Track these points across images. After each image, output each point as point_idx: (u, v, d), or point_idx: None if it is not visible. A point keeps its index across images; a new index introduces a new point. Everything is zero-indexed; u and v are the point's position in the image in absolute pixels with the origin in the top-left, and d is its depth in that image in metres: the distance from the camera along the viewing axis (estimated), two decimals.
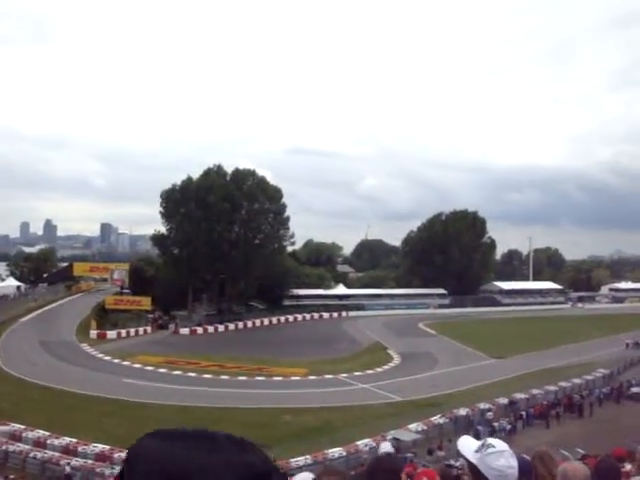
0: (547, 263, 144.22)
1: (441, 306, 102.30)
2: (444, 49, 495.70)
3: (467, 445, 2.82)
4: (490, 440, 2.81)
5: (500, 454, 2.70)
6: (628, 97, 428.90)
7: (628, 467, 11.96)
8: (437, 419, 35.65)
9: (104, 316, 72.39)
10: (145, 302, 76.27)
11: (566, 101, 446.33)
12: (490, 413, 37.08)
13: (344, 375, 50.46)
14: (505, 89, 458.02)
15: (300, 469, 24.90)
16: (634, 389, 44.46)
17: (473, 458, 2.71)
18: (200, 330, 73.72)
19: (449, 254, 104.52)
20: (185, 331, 72.68)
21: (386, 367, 55.17)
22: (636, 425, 33.30)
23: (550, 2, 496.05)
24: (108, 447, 29.48)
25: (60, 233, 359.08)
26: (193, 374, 49.17)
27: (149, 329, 71.87)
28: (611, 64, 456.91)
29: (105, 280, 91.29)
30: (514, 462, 2.74)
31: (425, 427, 34.16)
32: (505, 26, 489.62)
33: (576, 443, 28.47)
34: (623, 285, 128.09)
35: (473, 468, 2.71)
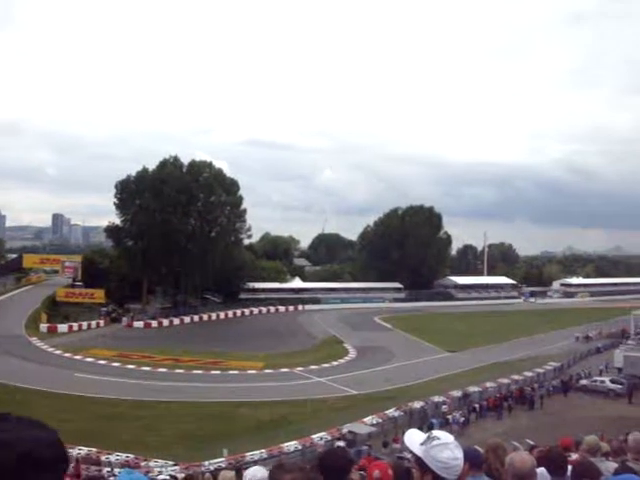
0: (501, 258, 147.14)
1: (397, 300, 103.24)
2: (402, 44, 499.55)
3: (413, 438, 2.82)
4: (435, 432, 2.81)
5: (445, 446, 2.71)
6: (586, 96, 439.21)
7: (574, 456, 12.21)
8: (392, 412, 35.89)
9: (55, 309, 70.89)
10: (98, 295, 74.89)
11: (525, 99, 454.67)
12: (444, 406, 37.54)
13: (300, 369, 50.49)
14: (463, 86, 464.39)
15: (255, 463, 24.77)
16: (583, 381, 45.71)
17: (419, 450, 2.71)
18: (155, 323, 72.81)
19: (405, 249, 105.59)
20: (139, 324, 71.67)
21: (342, 361, 55.39)
22: (583, 416, 34.30)
23: None
24: None
25: (9, 223, 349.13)
26: (147, 368, 48.50)
27: (102, 322, 70.56)
28: (571, 62, 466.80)
29: (56, 272, 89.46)
30: (459, 454, 2.75)
31: (380, 420, 34.36)
32: (464, 22, 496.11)
33: (527, 434, 29.06)
34: (574, 280, 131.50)
35: (419, 460, 2.71)
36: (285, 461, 25.26)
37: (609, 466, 6.01)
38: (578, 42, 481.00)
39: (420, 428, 30.22)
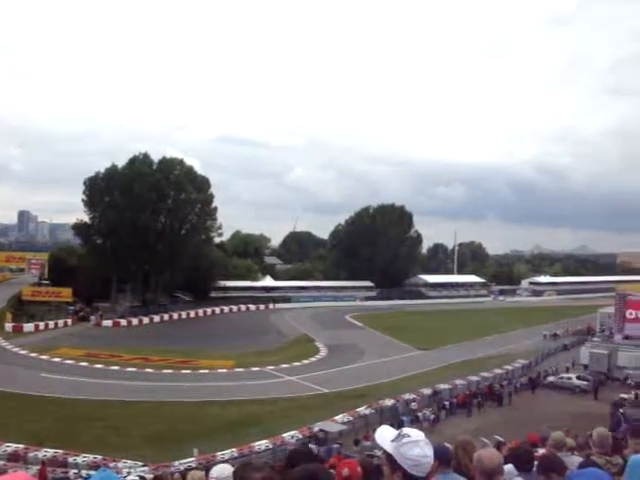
0: (471, 257, 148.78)
1: (368, 298, 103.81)
2: (373, 45, 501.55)
3: (384, 435, 2.82)
4: (406, 430, 2.81)
5: (415, 444, 2.71)
6: (557, 98, 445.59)
7: (541, 452, 12.40)
8: (363, 410, 35.99)
9: (21, 308, 69.56)
10: (66, 293, 73.67)
11: (497, 100, 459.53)
12: (414, 403, 37.78)
13: (271, 367, 50.38)
14: (435, 86, 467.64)
15: (226, 462, 24.65)
16: (550, 378, 46.49)
17: (389, 447, 2.71)
18: (124, 322, 71.98)
19: (376, 247, 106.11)
20: (108, 323, 70.77)
21: (313, 359, 55.40)
22: (551, 412, 34.83)
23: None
24: (22, 446, 28.10)
25: None
26: (116, 367, 47.85)
27: (70, 321, 69.48)
28: (544, 65, 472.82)
29: (22, 270, 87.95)
30: (429, 451, 2.76)
31: (351, 418, 34.43)
32: (438, 22, 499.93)
33: (496, 430, 29.37)
34: (542, 279, 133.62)
35: (389, 457, 2.71)
36: (252, 461, 25.26)
37: (574, 460, 6.10)
38: (551, 45, 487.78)
39: (391, 425, 30.38)
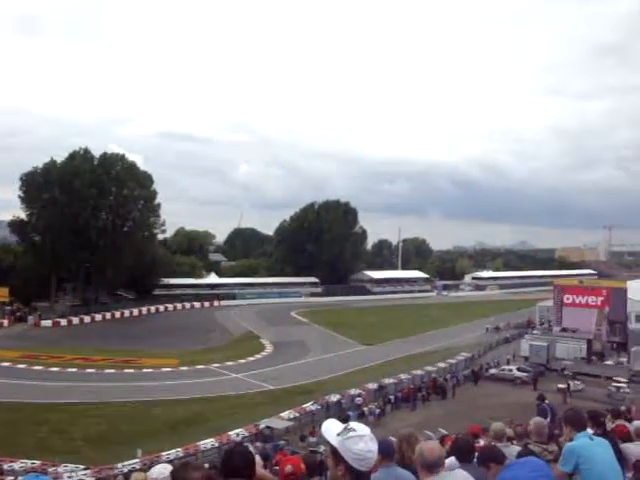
0: (415, 253, 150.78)
1: (313, 295, 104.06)
2: (319, 40, 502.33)
3: (331, 428, 2.85)
4: (352, 424, 2.85)
5: (360, 438, 2.76)
6: (499, 97, 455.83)
7: (482, 442, 12.74)
8: (309, 406, 36.18)
9: None
10: (1, 293, 71.20)
11: (441, 98, 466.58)
12: (360, 398, 38.13)
13: (216, 365, 50.04)
14: (380, 83, 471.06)
15: (171, 462, 24.38)
16: (492, 371, 47.74)
17: (334, 441, 2.75)
18: (64, 322, 70.17)
19: (321, 243, 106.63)
20: (47, 323, 68.87)
21: (258, 356, 55.29)
22: (492, 404, 35.71)
23: None
24: None
25: None
26: (56, 369, 46.56)
27: (6, 322, 67.51)
28: (486, 64, 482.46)
29: None
30: (374, 446, 2.82)
31: (297, 414, 34.60)
32: (382, 19, 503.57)
33: (440, 423, 30.00)
34: (484, 274, 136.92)
35: (334, 451, 2.73)
36: (189, 462, 25.11)
37: (513, 450, 6.29)
38: (494, 45, 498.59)
39: (344, 421, 30.57)
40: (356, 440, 2.74)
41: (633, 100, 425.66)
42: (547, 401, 28.11)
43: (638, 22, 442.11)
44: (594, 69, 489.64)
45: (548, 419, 21.53)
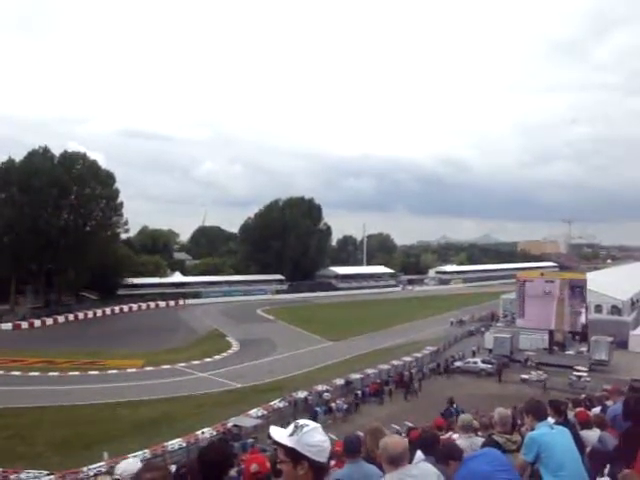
0: (380, 248, 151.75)
1: (279, 292, 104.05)
2: (282, 37, 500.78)
3: (279, 433, 2.87)
4: (300, 421, 2.89)
5: (315, 430, 2.80)
6: (463, 93, 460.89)
7: (447, 435, 12.94)
8: (277, 403, 36.13)
9: None
10: None
11: (405, 94, 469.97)
12: (327, 394, 38.23)
13: (182, 364, 49.67)
14: (344, 80, 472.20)
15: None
16: (457, 363, 48.42)
17: (290, 442, 2.76)
18: (25, 324, 68.80)
19: (286, 240, 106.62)
20: (7, 326, 67.35)
21: (225, 354, 55.06)
22: (458, 395, 36.09)
23: None
24: None
25: None
26: (17, 373, 45.69)
27: None
28: (450, 63, 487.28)
29: None
30: (326, 436, 2.86)
31: (265, 412, 34.48)
32: (347, 18, 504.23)
33: (407, 417, 30.36)
34: (448, 268, 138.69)
35: (291, 452, 2.75)
36: (150, 462, 24.92)
37: (478, 441, 6.41)
38: (456, 43, 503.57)
39: (313, 417, 30.68)
40: (312, 433, 2.77)
41: (591, 96, 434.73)
42: (455, 404, 29.37)
43: (595, 20, 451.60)
44: (554, 65, 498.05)
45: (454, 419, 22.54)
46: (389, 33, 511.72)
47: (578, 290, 51.76)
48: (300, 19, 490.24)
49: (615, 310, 58.91)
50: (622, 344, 52.40)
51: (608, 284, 63.34)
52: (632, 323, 57.91)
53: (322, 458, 2.77)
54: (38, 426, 32.93)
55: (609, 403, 11.85)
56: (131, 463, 3.94)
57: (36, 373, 45.84)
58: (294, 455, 2.75)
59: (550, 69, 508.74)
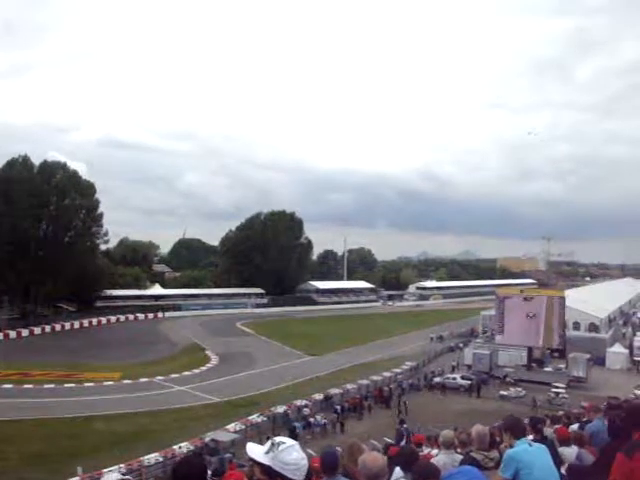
0: (360, 263, 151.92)
1: (259, 305, 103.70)
2: (263, 47, 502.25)
3: (256, 450, 2.85)
4: (277, 439, 2.87)
5: (292, 448, 2.79)
6: (444, 109, 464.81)
7: (426, 451, 12.88)
8: (255, 418, 35.87)
9: None
10: None
11: (386, 109, 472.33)
12: (306, 409, 38.06)
13: (160, 378, 49.17)
14: (326, 94, 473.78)
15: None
16: (436, 379, 48.44)
17: (266, 459, 2.74)
18: (0, 336, 67.59)
19: (267, 254, 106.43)
20: None
21: (204, 368, 54.63)
22: (437, 411, 36.20)
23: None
24: None
25: None
26: None
27: None
28: (432, 78, 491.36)
29: None
30: (304, 454, 2.85)
31: (243, 426, 34.22)
32: (331, 30, 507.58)
33: (386, 432, 30.28)
34: (428, 284, 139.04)
35: (267, 469, 2.72)
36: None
37: (456, 458, 6.38)
38: (437, 58, 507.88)
39: (291, 432, 30.45)
40: (290, 451, 2.75)
41: (571, 115, 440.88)
42: (405, 425, 29.41)
43: (575, 38, 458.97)
44: (534, 84, 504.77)
45: (403, 441, 22.60)
46: (372, 50, 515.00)
47: (557, 307, 52.26)
48: (283, 34, 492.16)
49: (593, 327, 59.38)
50: (599, 361, 52.93)
51: (586, 302, 63.90)
52: (609, 340, 58.45)
53: (298, 477, 2.74)
54: (11, 440, 32.26)
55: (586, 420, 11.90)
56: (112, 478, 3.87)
57: (9, 385, 45.00)
58: (270, 473, 2.72)
59: (531, 87, 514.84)
